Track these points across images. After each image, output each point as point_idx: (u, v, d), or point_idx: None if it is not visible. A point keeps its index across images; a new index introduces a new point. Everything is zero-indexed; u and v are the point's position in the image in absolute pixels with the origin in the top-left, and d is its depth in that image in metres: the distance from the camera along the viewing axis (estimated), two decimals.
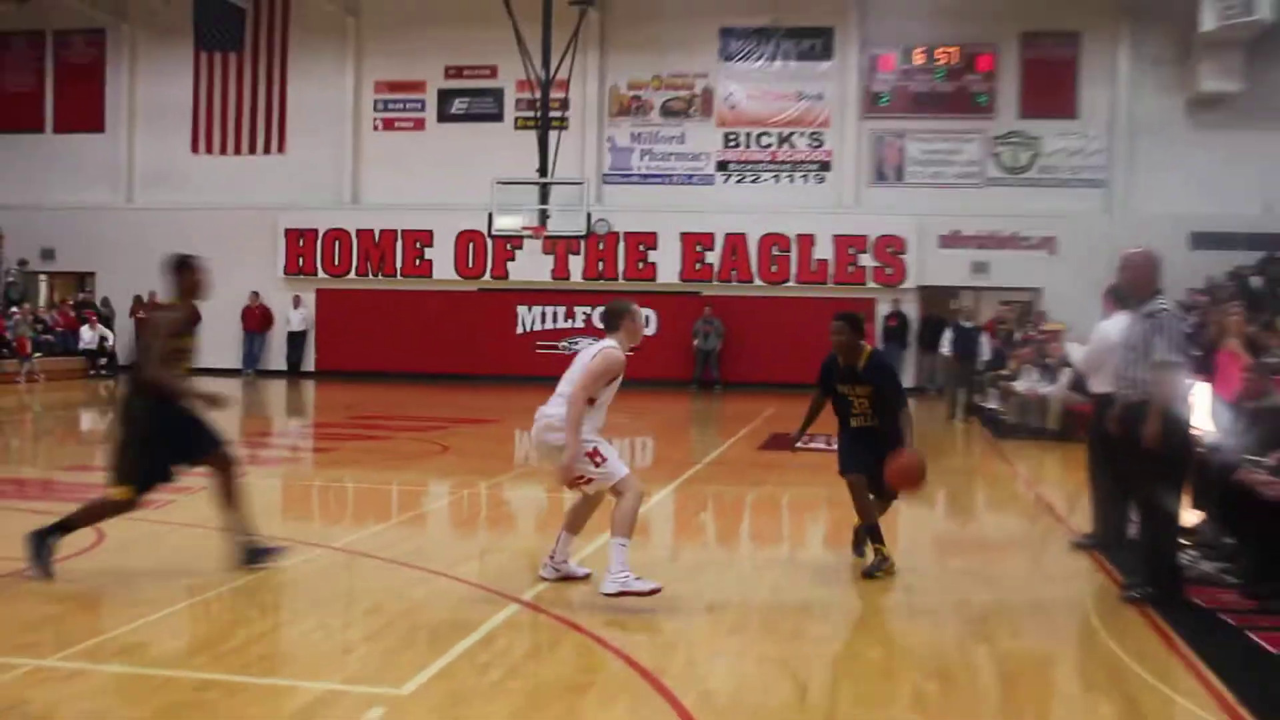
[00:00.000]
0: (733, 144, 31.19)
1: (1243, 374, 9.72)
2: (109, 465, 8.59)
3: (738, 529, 10.37)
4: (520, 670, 6.57)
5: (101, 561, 9.19)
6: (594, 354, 8.11)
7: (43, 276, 33.98)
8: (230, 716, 5.79)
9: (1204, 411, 12.31)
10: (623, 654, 6.80)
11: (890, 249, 29.99)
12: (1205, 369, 11.44)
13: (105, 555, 9.37)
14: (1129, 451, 8.23)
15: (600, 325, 8.38)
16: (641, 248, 30.75)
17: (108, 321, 32.04)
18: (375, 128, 32.42)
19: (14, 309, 30.20)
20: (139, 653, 6.78)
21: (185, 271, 8.79)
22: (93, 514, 8.73)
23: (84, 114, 33.64)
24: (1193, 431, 8.33)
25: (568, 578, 8.45)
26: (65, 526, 8.54)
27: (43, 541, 8.39)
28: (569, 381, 8.09)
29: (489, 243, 30.47)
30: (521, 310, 30.83)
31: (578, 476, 8.02)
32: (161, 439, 8.46)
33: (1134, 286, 8.41)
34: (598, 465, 7.98)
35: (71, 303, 32.47)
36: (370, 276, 31.72)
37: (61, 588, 8.35)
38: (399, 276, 31.61)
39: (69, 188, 33.01)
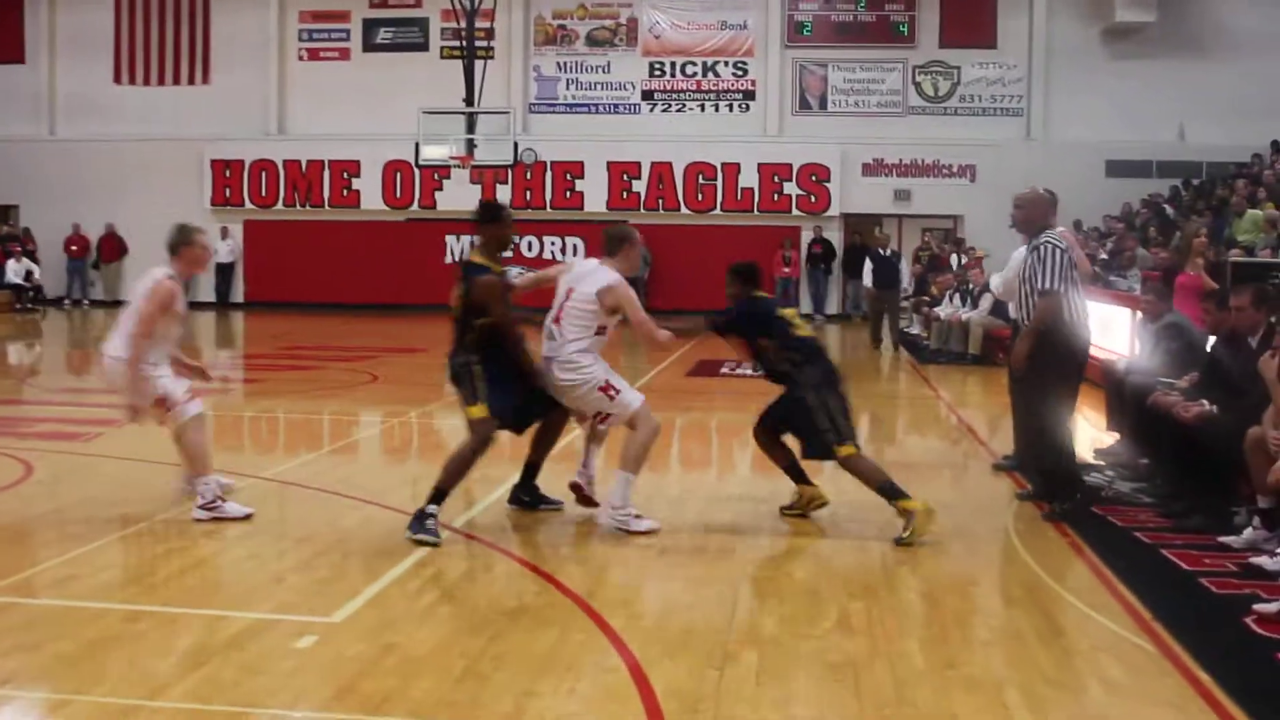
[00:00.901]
0: (658, 74, 31.15)
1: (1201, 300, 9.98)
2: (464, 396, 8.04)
3: (666, 455, 10.51)
4: (451, 596, 6.71)
5: (31, 494, 9.20)
6: (603, 285, 8.08)
7: None
8: (162, 647, 5.83)
9: (1121, 334, 12.54)
10: (553, 579, 6.94)
11: (814, 177, 30.17)
12: (1167, 290, 11.74)
13: (35, 488, 9.40)
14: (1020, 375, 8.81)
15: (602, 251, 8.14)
16: (569, 177, 30.73)
17: (33, 255, 31.60)
18: (300, 58, 32.06)
19: None
20: (69, 585, 6.83)
21: (499, 224, 8.41)
22: (461, 465, 7.92)
23: (3, 44, 32.92)
24: (1077, 353, 8.61)
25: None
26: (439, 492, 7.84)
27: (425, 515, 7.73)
28: (575, 313, 8.11)
29: (416, 173, 30.34)
30: (450, 239, 30.71)
31: (596, 414, 8.10)
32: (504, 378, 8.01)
33: (1025, 224, 8.97)
34: (612, 399, 8.04)
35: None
36: (298, 207, 31.49)
37: None
38: (327, 207, 31.42)
39: None
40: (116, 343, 8.23)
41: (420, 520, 7.65)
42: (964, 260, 23.16)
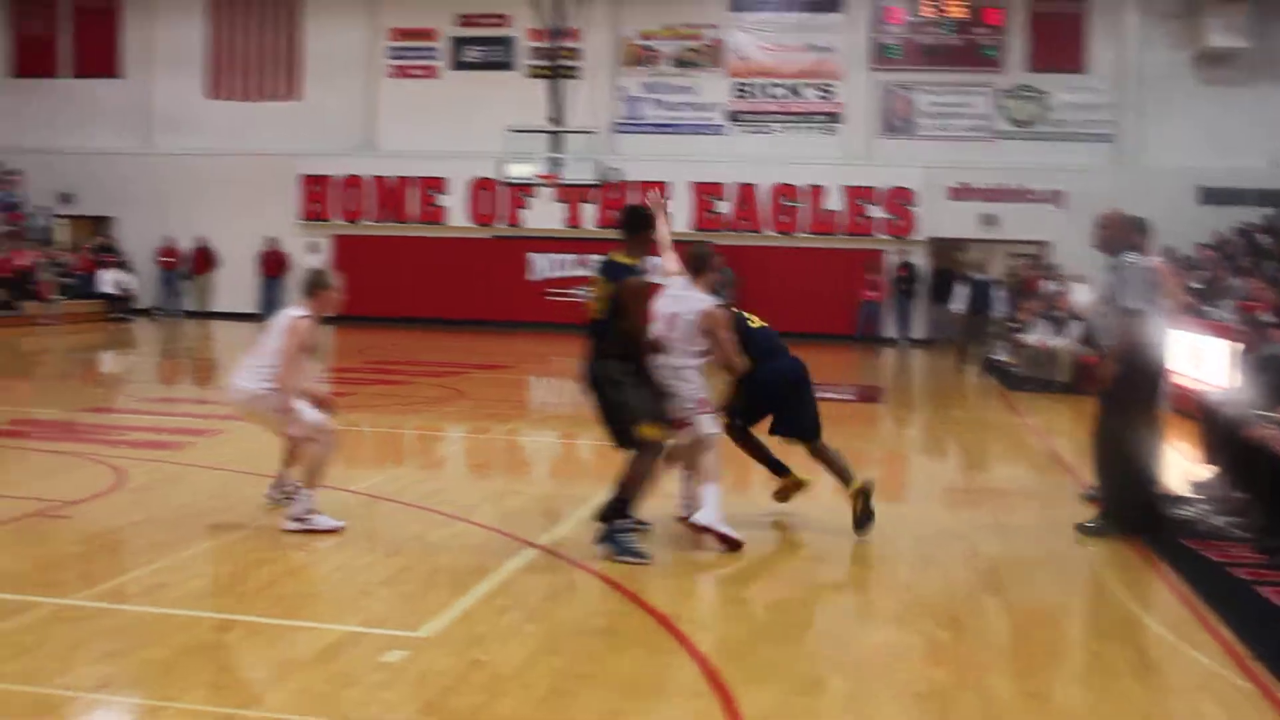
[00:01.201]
0: (743, 95, 31.13)
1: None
2: (620, 421, 7.90)
3: (748, 477, 10.45)
4: (538, 614, 6.71)
5: (123, 501, 9.34)
6: (697, 310, 8.21)
7: (62, 220, 34.03)
8: (251, 657, 5.93)
9: (1215, 365, 12.35)
10: (639, 599, 6.93)
11: (900, 201, 30.00)
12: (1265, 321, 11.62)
13: (127, 496, 9.53)
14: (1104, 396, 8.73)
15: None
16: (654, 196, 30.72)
17: (127, 265, 32.15)
18: (390, 75, 32.37)
19: (35, 253, 30.31)
20: (160, 593, 6.92)
21: (649, 231, 8.37)
22: (638, 477, 7.84)
23: (101, 58, 33.61)
24: (1163, 376, 8.54)
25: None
26: (620, 504, 7.84)
27: (614, 533, 7.76)
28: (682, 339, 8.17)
29: (502, 190, 30.55)
30: (534, 257, 30.88)
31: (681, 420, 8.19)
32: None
33: (1107, 244, 8.88)
34: (695, 419, 8.17)
35: (90, 247, 32.55)
36: (385, 222, 31.78)
37: (83, 528, 8.51)
38: (413, 223, 31.67)
39: (87, 132, 33.04)
40: (246, 375, 8.58)
41: (612, 539, 7.70)
42: (1054, 286, 22.94)
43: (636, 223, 8.27)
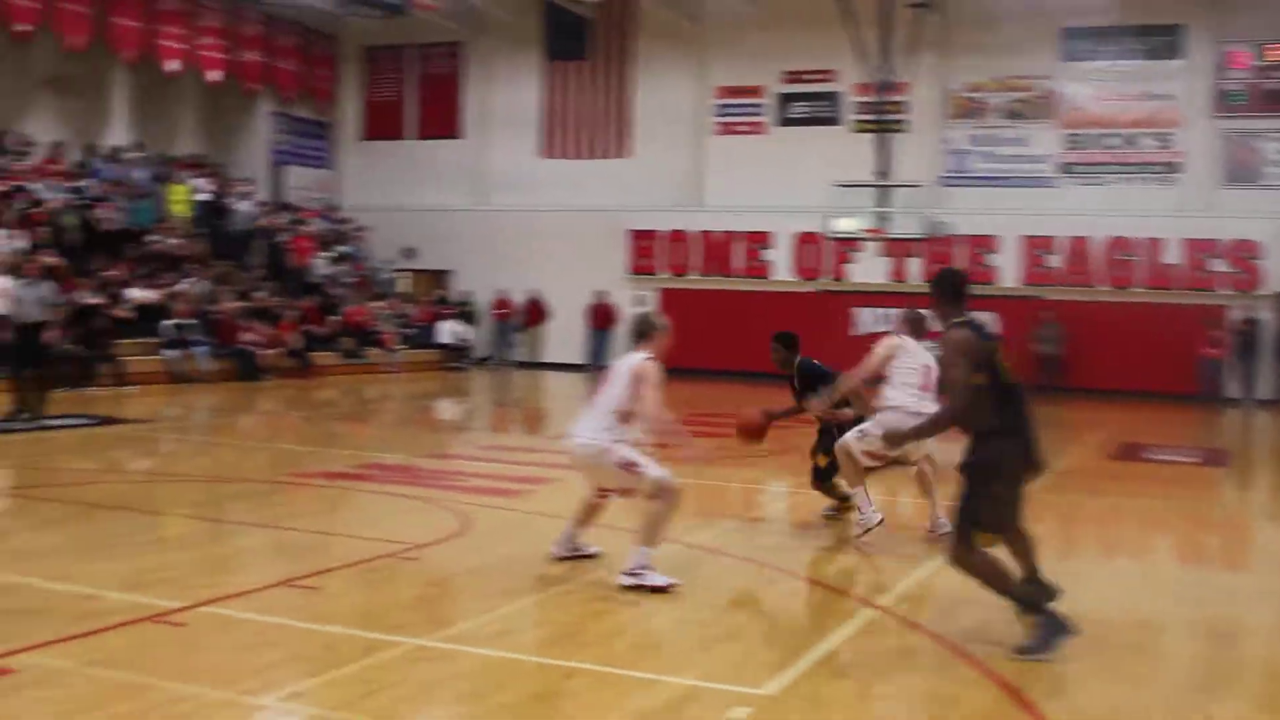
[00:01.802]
0: (1075, 145, 30.33)
1: None
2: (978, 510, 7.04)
3: (1092, 541, 10.13)
4: (882, 677, 6.61)
5: (469, 546, 9.69)
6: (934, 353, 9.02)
7: (404, 274, 35.83)
8: (600, 706, 6.03)
9: None
10: (983, 665, 6.76)
11: (1243, 253, 28.64)
12: None
13: (471, 541, 9.88)
14: None
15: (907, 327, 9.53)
16: (981, 251, 30.23)
17: (467, 317, 33.49)
18: (716, 132, 32.87)
19: (380, 304, 31.95)
20: (508, 638, 7.14)
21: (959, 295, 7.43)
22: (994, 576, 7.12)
23: (443, 121, 35.40)
24: None
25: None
26: (1026, 601, 7.13)
27: (1045, 634, 6.99)
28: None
29: (826, 245, 30.58)
30: (859, 312, 30.75)
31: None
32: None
33: None
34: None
35: (431, 299, 34.12)
36: (710, 276, 32.22)
37: (431, 570, 8.87)
38: (738, 277, 31.99)
39: (428, 191, 34.73)
40: (589, 426, 8.62)
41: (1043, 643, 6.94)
42: None
43: (958, 284, 7.49)
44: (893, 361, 10.37)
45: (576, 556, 8.93)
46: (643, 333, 8.87)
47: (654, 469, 8.43)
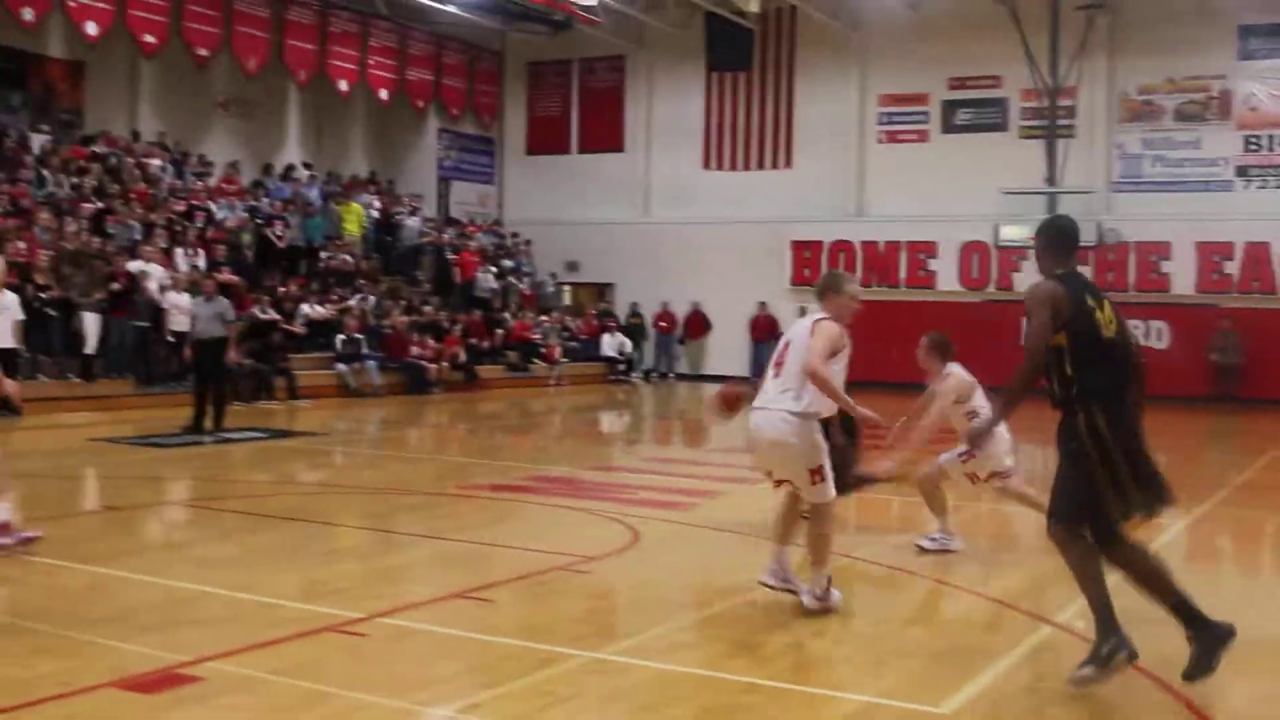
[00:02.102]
0: (1254, 148, 29.43)
1: None
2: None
3: (1276, 559, 9.80)
4: (1064, 697, 6.43)
5: (638, 560, 9.71)
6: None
7: (567, 287, 36.17)
8: None
9: None
10: (1166, 684, 6.54)
11: None
12: None
13: (641, 554, 9.90)
14: None
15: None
16: (1153, 258, 29.50)
17: (630, 331, 33.64)
18: (879, 140, 32.61)
19: (544, 317, 32.27)
20: (682, 652, 7.12)
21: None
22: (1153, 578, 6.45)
23: (605, 135, 35.70)
24: None
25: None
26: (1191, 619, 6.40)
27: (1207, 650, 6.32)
28: None
29: (994, 254, 30.12)
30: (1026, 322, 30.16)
31: None
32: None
33: None
34: None
35: (594, 312, 34.38)
36: (874, 287, 31.93)
37: (603, 583, 8.90)
38: (902, 287, 31.66)
39: (591, 204, 35.02)
40: (777, 399, 7.74)
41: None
42: None
43: (1057, 234, 6.89)
44: (965, 400, 10.07)
45: (788, 590, 8.04)
46: (820, 291, 8.10)
47: (829, 488, 7.79)
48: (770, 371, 7.91)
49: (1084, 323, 6.37)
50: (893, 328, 31.00)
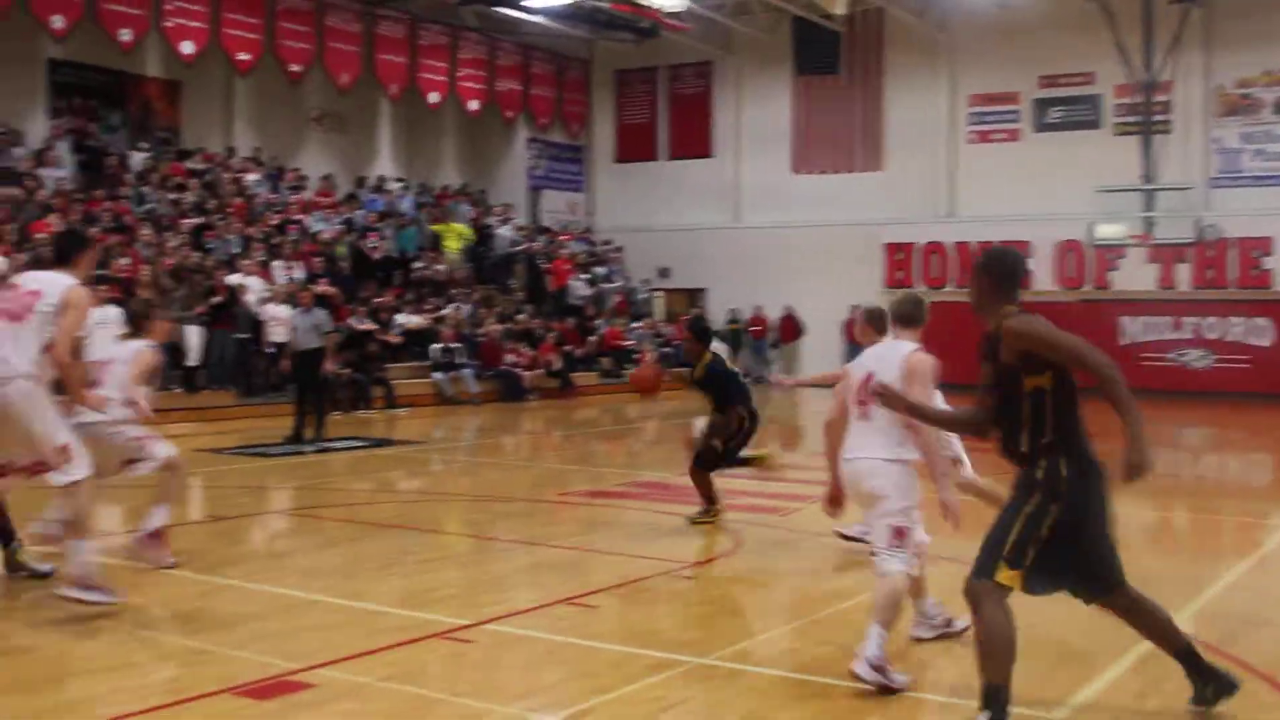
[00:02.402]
0: None
1: None
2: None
3: None
4: (1177, 698, 6.31)
5: (741, 565, 9.70)
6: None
7: (659, 293, 36.21)
8: None
9: None
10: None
11: None
12: None
13: (743, 559, 9.89)
14: None
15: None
16: (1255, 254, 28.97)
17: (731, 336, 33.52)
18: (970, 141, 32.34)
19: (636, 323, 32.34)
20: (791, 657, 7.10)
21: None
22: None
23: (694, 141, 35.71)
24: None
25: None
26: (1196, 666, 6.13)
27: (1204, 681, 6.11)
28: None
29: (1089, 253, 29.77)
30: (1125, 321, 29.79)
31: None
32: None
33: None
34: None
35: (685, 318, 34.32)
36: (968, 288, 31.61)
37: (706, 590, 8.91)
38: None
39: (681, 210, 35.06)
40: (874, 443, 6.96)
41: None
42: None
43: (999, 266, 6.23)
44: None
45: (946, 635, 7.42)
46: (911, 317, 7.59)
47: (903, 557, 6.76)
48: (853, 410, 7.15)
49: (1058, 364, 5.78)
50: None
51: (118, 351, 9.01)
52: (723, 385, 11.41)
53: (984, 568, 5.66)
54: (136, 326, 9.36)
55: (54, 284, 7.65)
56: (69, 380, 7.56)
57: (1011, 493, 5.79)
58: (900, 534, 6.73)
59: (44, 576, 8.42)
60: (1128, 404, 5.40)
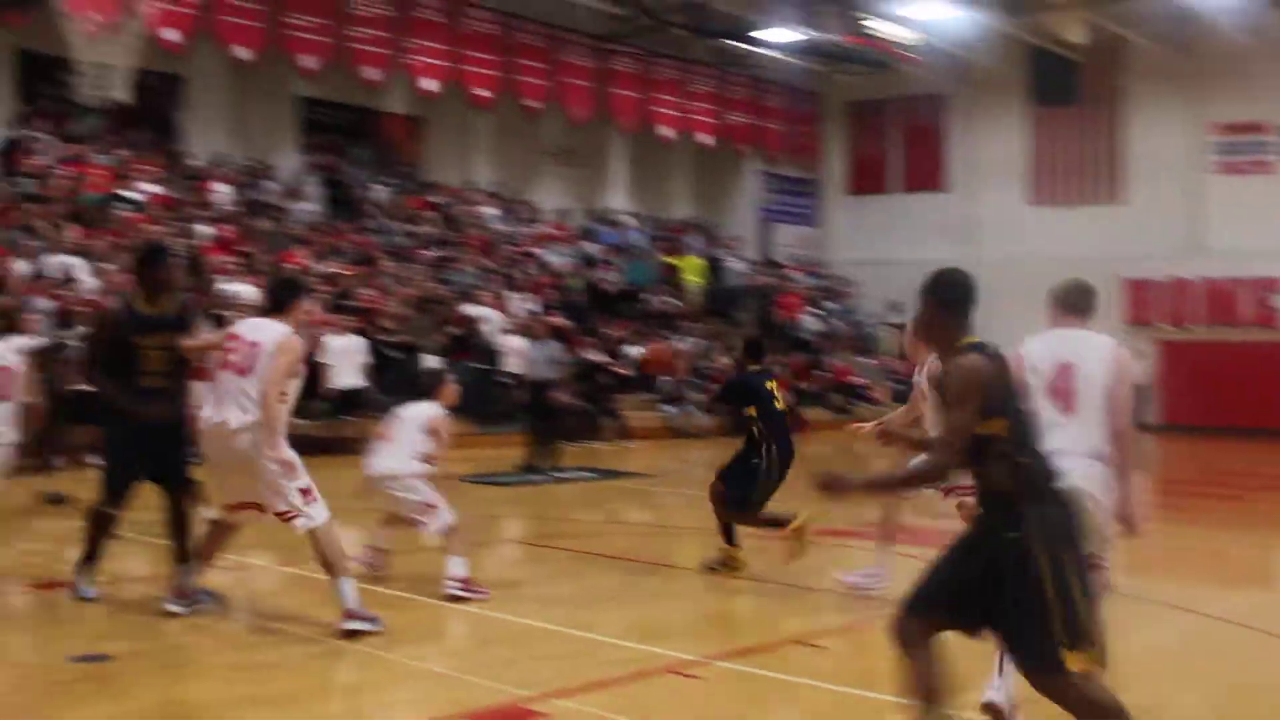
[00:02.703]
0: None
1: None
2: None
3: None
4: None
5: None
6: None
7: (890, 329, 35.79)
8: None
9: None
10: None
11: None
12: None
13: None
14: None
15: None
16: None
17: None
18: (1216, 172, 31.19)
19: (866, 359, 32.05)
20: (1028, 705, 6.88)
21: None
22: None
23: (927, 174, 35.31)
24: None
25: None
26: None
27: None
28: None
29: None
30: None
31: None
32: None
33: None
34: None
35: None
36: (1214, 326, 30.52)
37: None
38: (1245, 326, 30.15)
39: (915, 244, 34.58)
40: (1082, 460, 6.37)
41: None
42: None
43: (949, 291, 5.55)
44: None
45: None
46: (1084, 307, 7.21)
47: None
48: (1053, 404, 6.56)
49: (1024, 399, 5.33)
50: (1234, 369, 29.65)
51: (410, 414, 9.61)
52: None
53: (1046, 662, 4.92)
54: (426, 392, 9.89)
55: (271, 332, 7.99)
56: (270, 423, 7.78)
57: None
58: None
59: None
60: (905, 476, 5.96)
